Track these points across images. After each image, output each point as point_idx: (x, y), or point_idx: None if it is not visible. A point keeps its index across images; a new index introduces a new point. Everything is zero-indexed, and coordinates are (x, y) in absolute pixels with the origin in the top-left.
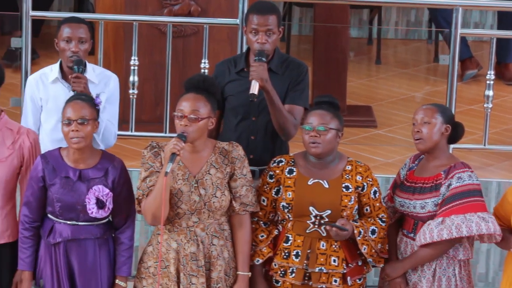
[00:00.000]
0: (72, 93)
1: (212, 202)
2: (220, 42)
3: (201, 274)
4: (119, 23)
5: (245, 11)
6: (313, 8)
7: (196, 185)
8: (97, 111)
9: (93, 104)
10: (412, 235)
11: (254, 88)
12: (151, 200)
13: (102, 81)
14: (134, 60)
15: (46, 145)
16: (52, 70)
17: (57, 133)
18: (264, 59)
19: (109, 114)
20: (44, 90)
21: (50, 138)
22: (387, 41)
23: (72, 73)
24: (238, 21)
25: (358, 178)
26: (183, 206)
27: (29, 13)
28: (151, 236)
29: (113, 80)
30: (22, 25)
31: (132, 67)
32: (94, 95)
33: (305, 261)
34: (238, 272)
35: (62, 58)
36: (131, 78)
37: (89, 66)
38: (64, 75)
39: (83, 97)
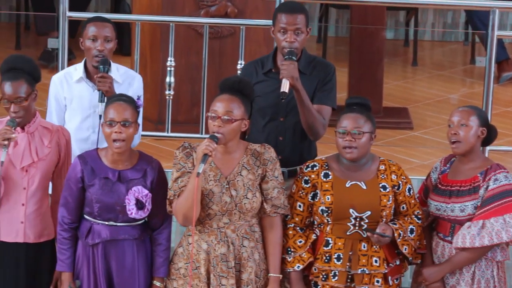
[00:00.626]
0: (97, 93)
1: (243, 204)
2: (256, 43)
3: (231, 275)
4: (155, 24)
5: None
6: (350, 9)
7: (227, 186)
8: (138, 113)
9: (134, 106)
10: (449, 238)
11: (285, 87)
12: (182, 201)
13: (126, 80)
14: (171, 61)
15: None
16: (76, 70)
17: (82, 132)
18: (294, 58)
19: None
20: (68, 90)
21: (74, 137)
22: (423, 43)
23: (97, 72)
24: None
25: (393, 177)
26: (214, 207)
27: (66, 14)
28: (181, 237)
29: (137, 80)
30: (59, 26)
31: (168, 68)
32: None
33: (348, 263)
34: (269, 274)
35: (87, 57)
36: (167, 79)
37: (113, 66)
38: (88, 74)
39: (125, 98)
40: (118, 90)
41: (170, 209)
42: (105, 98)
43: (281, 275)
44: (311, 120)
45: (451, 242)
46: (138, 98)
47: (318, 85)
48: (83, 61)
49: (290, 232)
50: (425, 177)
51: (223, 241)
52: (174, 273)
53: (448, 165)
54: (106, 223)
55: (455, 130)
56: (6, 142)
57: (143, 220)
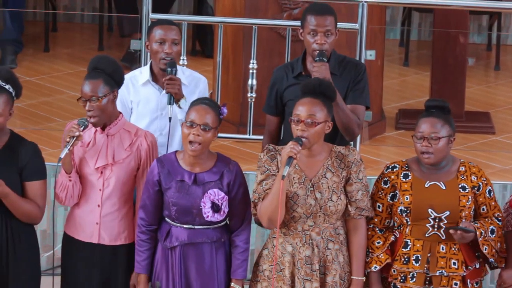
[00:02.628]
0: (164, 95)
1: (328, 206)
2: (338, 46)
3: (315, 278)
4: (238, 26)
5: (365, 16)
6: (433, 13)
7: (312, 188)
8: (220, 121)
9: (218, 112)
10: None
11: None
12: (267, 203)
13: (192, 82)
14: (253, 63)
15: None
16: (141, 73)
17: None
18: (325, 59)
19: None
20: (134, 93)
21: None
22: (506, 47)
23: (164, 75)
24: (357, 25)
25: (473, 178)
26: (299, 210)
27: (149, 15)
28: (266, 240)
29: (203, 82)
30: (142, 27)
31: (250, 71)
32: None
33: (426, 265)
34: (352, 277)
35: (154, 60)
36: (249, 82)
37: (179, 68)
38: (154, 77)
39: (210, 103)
40: (184, 92)
41: (255, 211)
42: (174, 100)
43: (364, 278)
44: (346, 120)
45: None
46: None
47: (350, 84)
48: (148, 64)
49: (369, 232)
50: (506, 182)
51: (307, 243)
52: (259, 275)
53: None
54: (185, 226)
55: None
56: (67, 139)
57: (223, 222)
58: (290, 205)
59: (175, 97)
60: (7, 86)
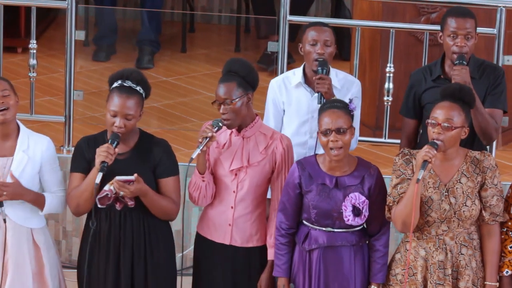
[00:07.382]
0: (315, 98)
1: (462, 211)
2: (476, 51)
3: (447, 283)
4: (376, 29)
5: (503, 21)
6: None
7: (446, 193)
8: (352, 117)
9: (348, 110)
10: None
11: None
12: (401, 207)
13: (344, 85)
14: (390, 67)
15: None
16: (295, 74)
17: (299, 137)
18: (465, 62)
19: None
20: (286, 94)
21: (292, 142)
22: None
23: (316, 77)
24: (495, 30)
25: None
26: (433, 214)
27: (286, 17)
28: (399, 243)
29: (356, 85)
30: (279, 29)
31: (387, 74)
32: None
33: None
34: (486, 282)
35: (307, 62)
36: (386, 85)
37: (332, 71)
38: (307, 79)
39: (338, 105)
40: (336, 95)
41: (389, 215)
42: (324, 99)
43: (497, 283)
44: (484, 124)
45: None
46: (351, 102)
47: (488, 88)
48: (301, 66)
49: (502, 236)
50: None
51: (441, 248)
52: (391, 279)
53: None
54: (324, 229)
55: None
56: (200, 140)
57: (361, 226)
58: (424, 210)
59: (324, 97)
60: (137, 88)
